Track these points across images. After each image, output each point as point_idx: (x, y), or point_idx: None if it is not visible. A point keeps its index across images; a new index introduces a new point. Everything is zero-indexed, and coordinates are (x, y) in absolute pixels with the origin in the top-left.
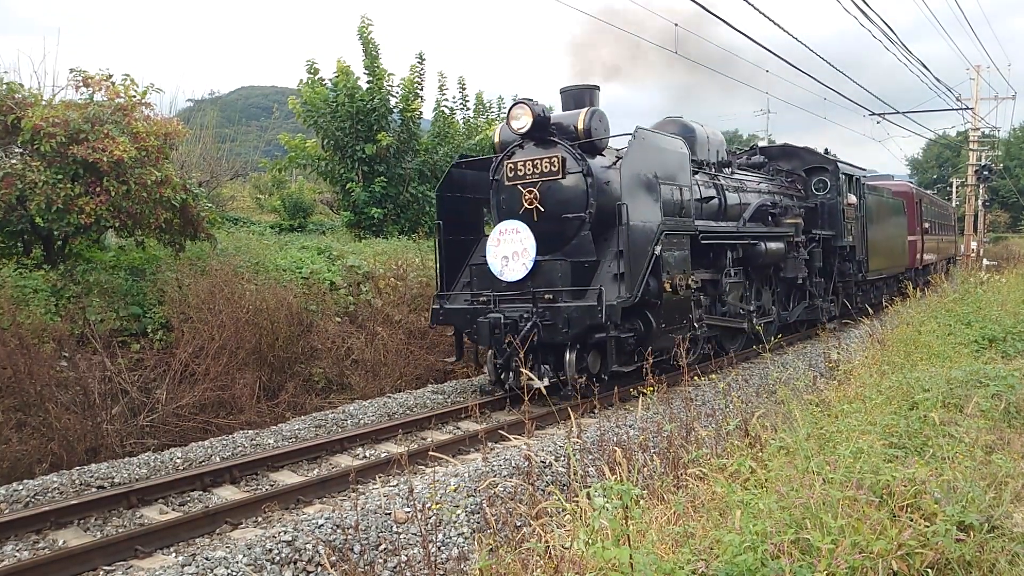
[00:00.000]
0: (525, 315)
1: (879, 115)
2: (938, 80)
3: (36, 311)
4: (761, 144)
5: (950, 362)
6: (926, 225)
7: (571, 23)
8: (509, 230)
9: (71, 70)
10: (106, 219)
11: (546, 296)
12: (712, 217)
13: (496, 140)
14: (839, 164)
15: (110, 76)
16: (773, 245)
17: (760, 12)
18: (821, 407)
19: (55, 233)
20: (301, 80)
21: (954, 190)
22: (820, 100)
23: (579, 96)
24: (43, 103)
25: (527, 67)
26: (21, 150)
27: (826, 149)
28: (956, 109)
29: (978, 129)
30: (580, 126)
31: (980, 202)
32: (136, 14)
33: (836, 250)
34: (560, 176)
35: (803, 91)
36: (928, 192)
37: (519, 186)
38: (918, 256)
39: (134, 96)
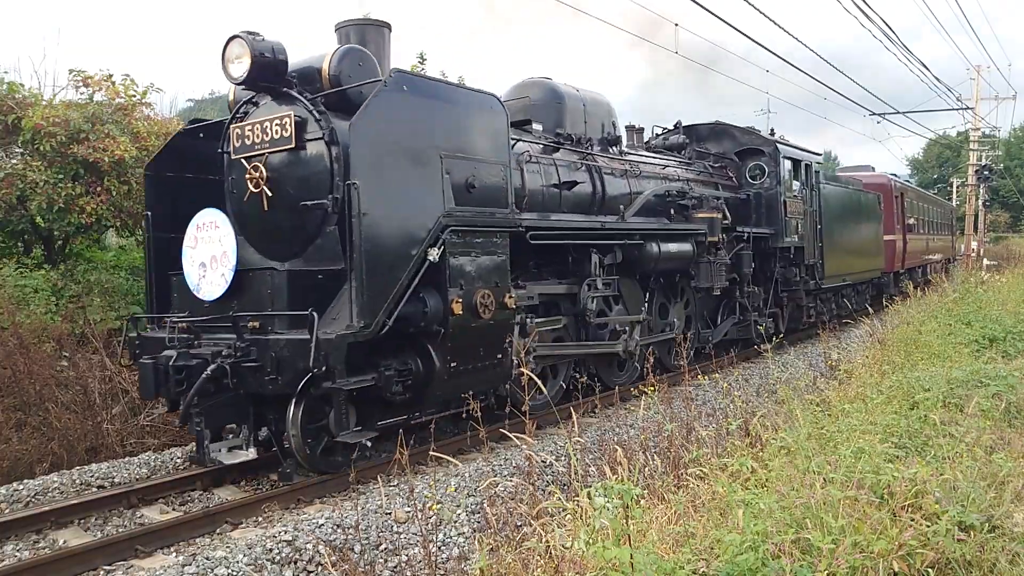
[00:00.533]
0: (224, 352)
1: (879, 115)
2: (938, 80)
3: (36, 311)
4: (690, 123)
5: (950, 362)
6: (910, 222)
7: (573, 25)
8: (207, 224)
9: (71, 70)
10: (107, 219)
11: (251, 324)
12: (581, 209)
13: (231, 98)
14: (780, 146)
15: (110, 76)
16: (673, 246)
17: (760, 12)
18: (822, 407)
19: (55, 233)
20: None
21: (954, 190)
22: (820, 100)
23: (361, 35)
24: (43, 103)
25: (528, 66)
26: (22, 150)
27: (772, 131)
28: (956, 109)
29: (978, 129)
30: (326, 72)
31: (980, 202)
32: (136, 14)
33: (775, 252)
34: (294, 145)
35: (803, 91)
36: (912, 185)
37: (243, 160)
38: (899, 258)
39: (134, 96)
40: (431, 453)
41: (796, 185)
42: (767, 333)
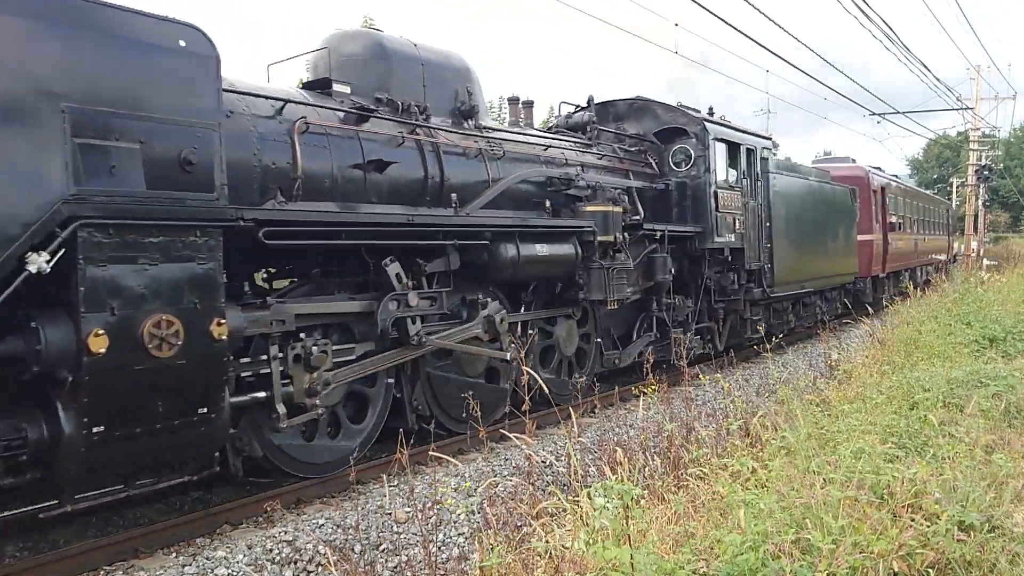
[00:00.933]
0: None
1: (879, 115)
2: (938, 80)
3: None
4: (605, 100)
5: (950, 362)
6: (893, 220)
7: (577, 27)
8: None
9: None
10: None
11: None
12: (405, 198)
13: None
14: (709, 125)
15: None
16: (542, 248)
17: (760, 12)
18: (822, 407)
19: None
20: (300, 79)
21: (954, 190)
22: (820, 100)
23: None
24: None
25: (531, 67)
26: None
27: (711, 109)
28: (956, 109)
29: (978, 129)
30: None
31: (980, 202)
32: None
33: (705, 255)
34: None
35: (803, 91)
36: (900, 180)
37: None
38: (878, 261)
39: None
40: (431, 453)
41: (734, 174)
42: (692, 352)
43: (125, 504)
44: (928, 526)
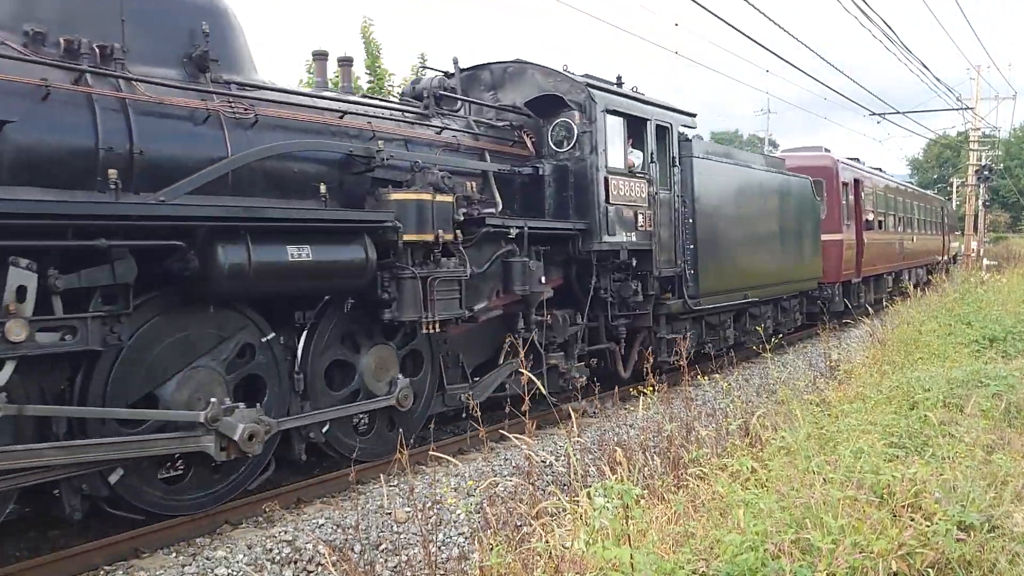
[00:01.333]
0: None
1: (879, 115)
2: (938, 80)
3: None
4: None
5: (950, 362)
6: (870, 218)
7: (582, 27)
8: None
9: None
10: None
11: None
12: (62, 179)
13: None
14: (596, 93)
15: None
16: (299, 251)
17: (760, 12)
18: (822, 407)
19: None
20: (301, 80)
21: (954, 190)
22: (820, 100)
23: None
24: None
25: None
26: None
27: (619, 78)
28: (956, 109)
29: (978, 129)
30: None
31: (980, 202)
32: None
33: (593, 259)
34: None
35: (803, 91)
36: (878, 171)
37: None
38: (849, 264)
39: None
40: (431, 453)
41: (639, 157)
42: (569, 384)
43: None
44: (928, 526)
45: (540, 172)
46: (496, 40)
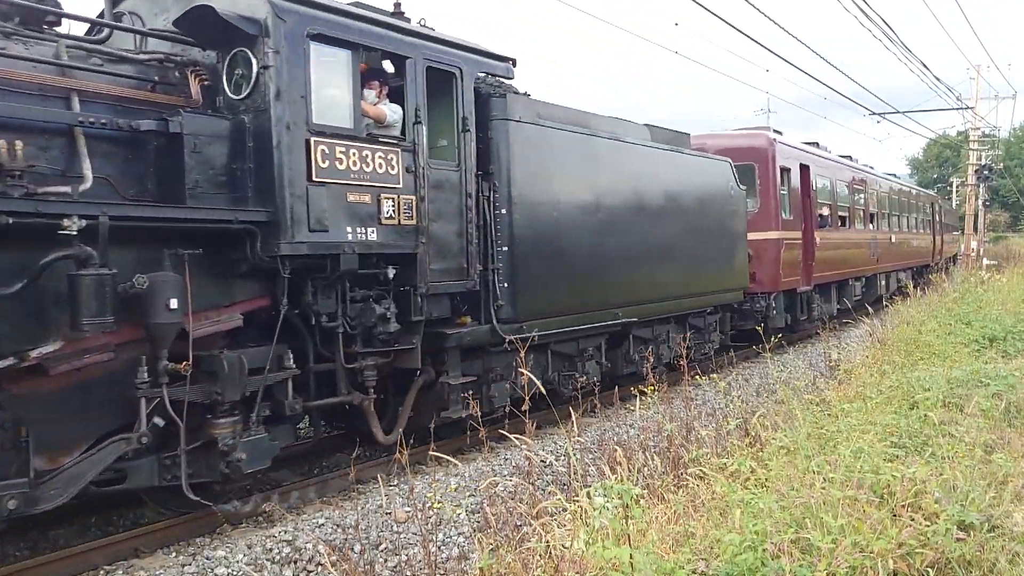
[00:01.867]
0: None
1: (879, 115)
2: (938, 80)
3: None
4: None
5: (950, 362)
6: (825, 212)
7: (583, 27)
8: None
9: None
10: None
11: None
12: None
13: None
14: (290, 6)
15: None
16: None
17: (761, 12)
18: (821, 407)
19: None
20: None
21: (954, 190)
22: (820, 100)
23: None
24: None
25: (533, 67)
26: None
27: (397, 5)
28: (956, 109)
29: (978, 129)
30: None
31: (980, 202)
32: None
33: (291, 267)
34: None
35: (803, 91)
36: (846, 159)
37: None
38: (793, 269)
39: None
40: (431, 453)
41: (396, 113)
42: (235, 472)
43: (125, 504)
44: (928, 526)
45: (173, 129)
46: (496, 41)
